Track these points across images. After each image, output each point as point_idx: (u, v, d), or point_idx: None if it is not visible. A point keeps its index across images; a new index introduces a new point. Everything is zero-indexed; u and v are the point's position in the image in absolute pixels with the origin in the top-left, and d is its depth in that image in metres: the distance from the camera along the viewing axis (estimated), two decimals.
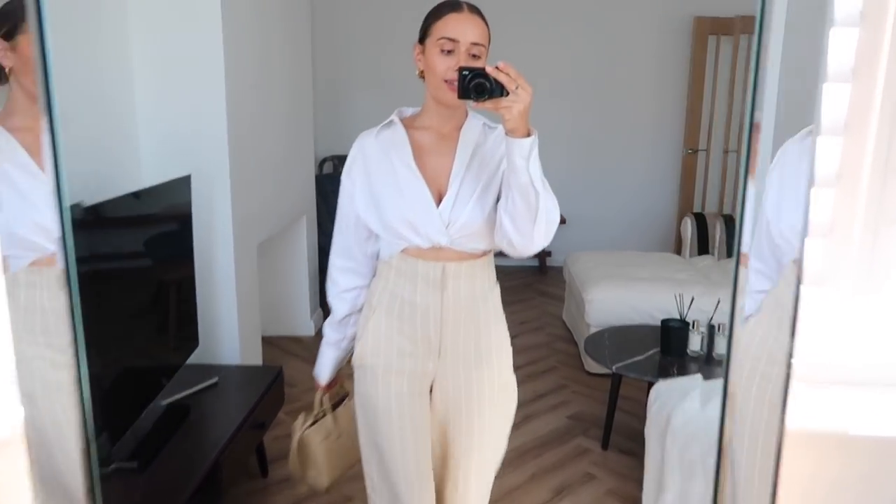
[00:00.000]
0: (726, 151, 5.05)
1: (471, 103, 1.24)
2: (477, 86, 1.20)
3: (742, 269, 0.95)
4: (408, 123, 1.45)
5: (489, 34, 1.36)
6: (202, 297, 2.54)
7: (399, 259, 1.43)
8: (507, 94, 1.19)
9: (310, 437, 1.61)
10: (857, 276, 1.13)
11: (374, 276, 1.50)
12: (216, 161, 2.52)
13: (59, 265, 1.14)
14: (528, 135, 1.24)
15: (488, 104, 1.21)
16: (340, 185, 1.48)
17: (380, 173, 1.42)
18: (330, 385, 1.63)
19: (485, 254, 1.46)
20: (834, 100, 1.03)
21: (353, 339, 1.54)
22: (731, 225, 4.21)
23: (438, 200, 1.39)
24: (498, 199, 1.38)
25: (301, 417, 1.64)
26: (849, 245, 1.12)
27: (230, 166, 2.53)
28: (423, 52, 1.37)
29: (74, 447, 1.29)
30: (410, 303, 1.43)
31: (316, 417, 1.63)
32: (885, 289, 1.13)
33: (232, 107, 2.55)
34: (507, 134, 1.24)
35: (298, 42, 3.57)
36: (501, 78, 1.18)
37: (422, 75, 1.39)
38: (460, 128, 1.43)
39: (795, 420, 1.13)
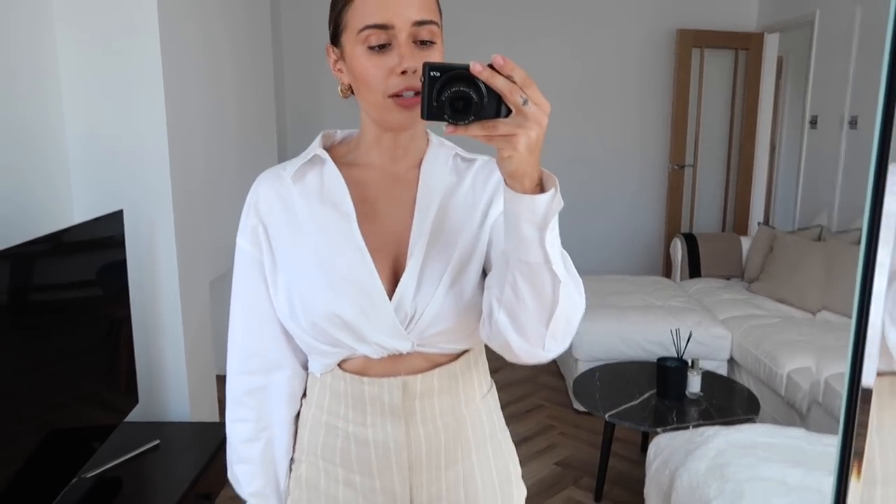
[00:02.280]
0: (728, 166, 4.86)
1: (445, 127, 0.70)
2: (456, 97, 0.67)
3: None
4: (338, 156, 0.94)
5: (439, 7, 0.88)
6: (144, 345, 2.25)
7: (334, 378, 0.93)
8: (508, 112, 0.69)
9: None
10: None
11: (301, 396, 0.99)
12: (157, 191, 2.23)
13: None
14: (541, 185, 0.73)
15: (475, 129, 0.69)
16: (237, 253, 0.95)
17: (299, 242, 0.91)
18: None
19: (467, 351, 0.96)
20: None
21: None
22: (725, 245, 4.00)
23: (393, 284, 0.89)
24: (484, 273, 0.91)
25: None
26: None
27: (173, 197, 2.25)
28: (341, 55, 0.89)
29: None
30: (360, 440, 0.93)
31: None
32: None
33: (175, 131, 2.27)
34: (507, 184, 0.73)
35: (257, 56, 3.30)
36: (498, 84, 0.68)
37: (349, 92, 0.90)
38: (420, 164, 0.94)
39: None
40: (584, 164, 4.90)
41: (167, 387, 2.36)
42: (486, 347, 0.96)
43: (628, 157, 4.93)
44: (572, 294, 0.80)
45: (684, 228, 4.76)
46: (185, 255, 2.36)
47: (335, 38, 0.89)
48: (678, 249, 4.05)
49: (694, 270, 3.97)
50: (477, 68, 0.68)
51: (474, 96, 0.67)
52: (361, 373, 0.91)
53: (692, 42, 4.63)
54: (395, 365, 0.91)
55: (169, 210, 2.25)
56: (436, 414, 0.93)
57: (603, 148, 4.92)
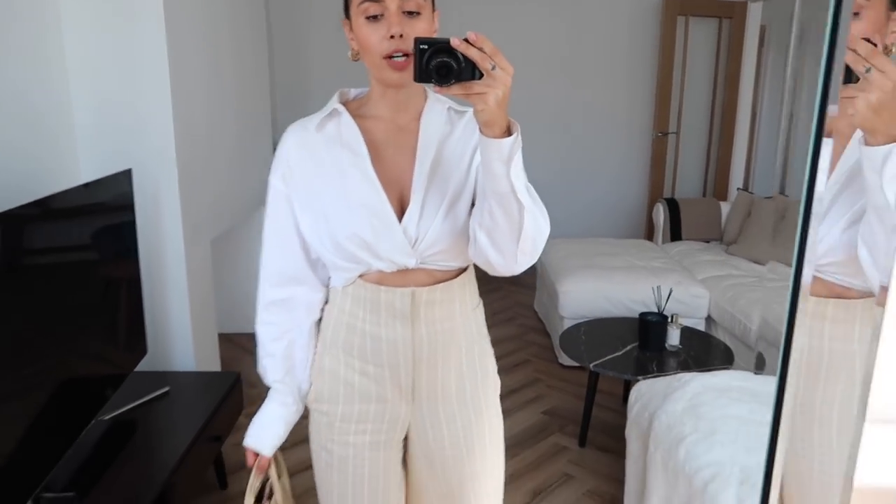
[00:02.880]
0: (710, 134, 4.98)
1: (432, 87, 0.92)
2: (440, 65, 0.89)
3: (806, 270, 0.76)
4: (353, 110, 1.14)
5: None
6: (151, 299, 2.35)
7: (356, 286, 1.14)
8: (481, 75, 0.89)
9: None
10: None
11: (326, 303, 1.21)
12: (162, 153, 2.30)
13: None
14: (509, 131, 0.95)
15: (455, 89, 0.90)
16: (269, 189, 1.15)
17: (325, 180, 1.11)
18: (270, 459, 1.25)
19: (463, 270, 1.19)
20: None
21: (306, 394, 1.24)
22: (705, 210, 4.15)
23: (400, 212, 1.10)
24: (473, 203, 1.11)
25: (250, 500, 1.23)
26: None
27: (177, 158, 2.33)
28: (350, 27, 1.10)
29: None
30: (374, 337, 1.15)
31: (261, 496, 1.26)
32: None
33: (178, 94, 2.33)
34: (481, 131, 0.94)
35: (252, 25, 3.34)
36: (472, 54, 0.88)
37: (357, 56, 1.10)
38: (420, 116, 1.13)
39: (866, 475, 0.93)
40: (571, 132, 5.00)
41: (173, 339, 2.47)
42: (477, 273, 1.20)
43: (613, 124, 5.03)
44: (537, 217, 1.02)
45: (667, 194, 4.89)
46: (189, 214, 2.45)
47: (346, 11, 1.09)
48: (660, 214, 4.19)
49: (675, 234, 4.11)
50: (455, 42, 0.88)
51: (454, 64, 0.89)
52: (378, 283, 1.13)
53: (677, 10, 4.71)
54: (404, 278, 1.12)
55: (173, 171, 2.33)
56: (436, 319, 1.15)
57: (589, 116, 5.02)
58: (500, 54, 0.89)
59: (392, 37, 1.02)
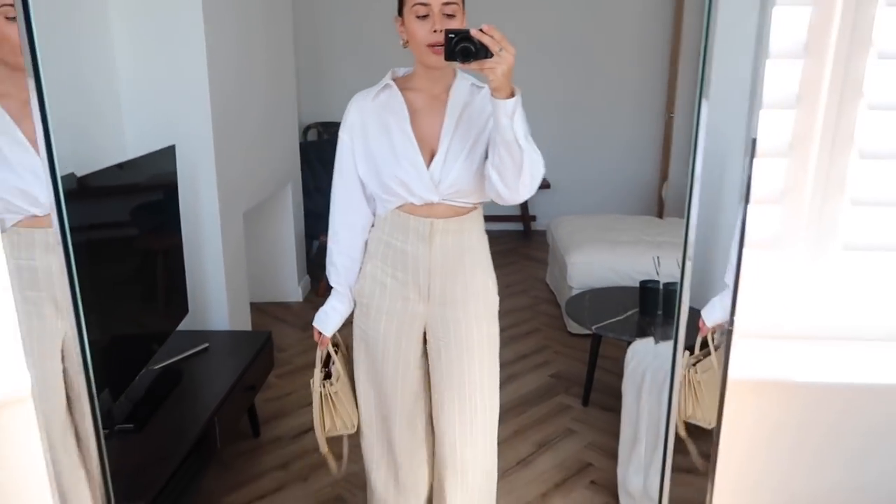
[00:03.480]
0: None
1: (457, 64, 1.31)
2: (463, 49, 1.27)
3: (692, 233, 1.03)
4: (400, 84, 1.54)
5: None
6: (190, 265, 2.58)
7: (393, 214, 1.56)
8: (492, 55, 1.26)
9: (330, 388, 1.72)
10: (805, 241, 1.21)
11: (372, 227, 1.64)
12: (200, 130, 2.54)
13: (56, 231, 1.19)
14: (512, 94, 1.31)
15: (473, 65, 1.28)
16: (339, 141, 1.57)
17: (376, 136, 1.52)
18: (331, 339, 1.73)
19: (475, 207, 1.59)
20: (782, 75, 1.10)
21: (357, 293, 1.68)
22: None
23: (430, 159, 1.50)
24: (486, 156, 1.48)
25: (318, 375, 1.70)
26: (797, 213, 1.20)
27: (213, 135, 2.56)
28: (402, 22, 1.46)
29: (82, 405, 1.36)
30: (402, 251, 1.57)
31: (329, 370, 1.72)
32: (830, 253, 1.21)
33: (214, 75, 2.56)
34: (491, 94, 1.32)
35: (278, 10, 3.55)
36: (485, 40, 1.25)
37: (406, 44, 1.47)
38: (449, 89, 1.52)
39: (740, 370, 1.23)
40: (586, 113, 5.15)
41: (211, 302, 2.72)
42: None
43: (627, 106, 5.17)
44: (533, 158, 1.40)
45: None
46: (224, 189, 2.68)
47: (400, 10, 1.46)
48: (668, 191, 4.34)
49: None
50: (474, 32, 1.26)
51: (472, 48, 1.27)
52: (409, 213, 1.55)
53: None
54: (429, 210, 1.54)
55: (210, 148, 2.56)
56: (448, 243, 1.56)
57: (603, 98, 5.16)
58: (505, 40, 1.26)
59: (435, 31, 1.39)
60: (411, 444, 1.75)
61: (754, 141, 1.04)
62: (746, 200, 1.07)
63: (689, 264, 1.07)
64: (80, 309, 1.26)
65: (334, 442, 1.79)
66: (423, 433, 1.76)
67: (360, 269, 1.64)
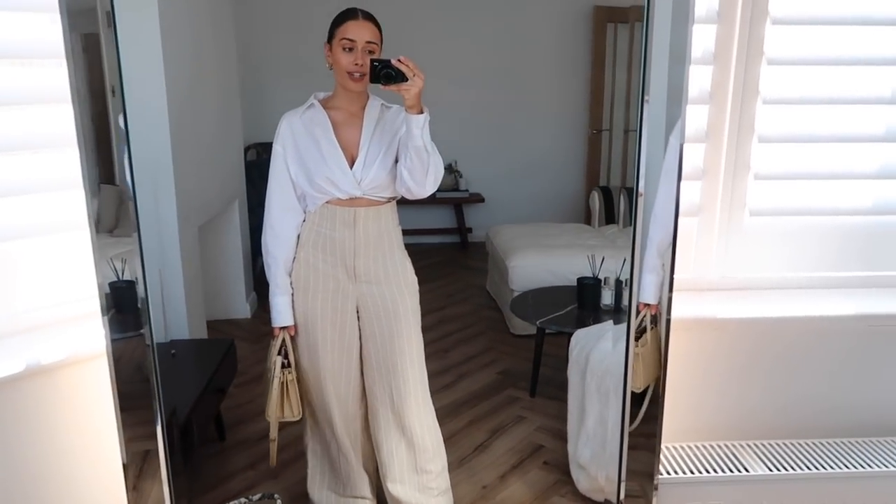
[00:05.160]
0: (626, 131, 5.51)
1: (380, 86, 1.66)
2: (385, 74, 1.62)
3: (639, 232, 1.26)
4: (323, 104, 1.86)
5: (381, 34, 1.78)
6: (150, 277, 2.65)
7: (323, 208, 1.86)
8: (407, 79, 1.61)
9: (288, 376, 1.92)
10: (721, 210, 1.47)
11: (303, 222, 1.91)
12: (159, 140, 2.63)
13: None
14: (422, 111, 1.69)
15: (392, 87, 1.63)
16: (273, 153, 1.86)
17: (307, 145, 1.83)
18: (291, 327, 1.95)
19: (389, 201, 1.90)
20: (699, 77, 1.36)
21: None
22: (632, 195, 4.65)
23: (351, 163, 1.83)
24: (396, 160, 1.82)
25: (277, 363, 1.91)
26: (714, 187, 1.47)
27: (172, 147, 2.65)
28: (330, 50, 1.78)
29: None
30: (331, 238, 1.86)
31: (286, 361, 1.94)
32: (740, 219, 1.48)
33: (172, 96, 2.66)
34: (406, 110, 1.69)
35: (223, 32, 3.67)
36: (402, 68, 1.61)
37: (331, 68, 1.80)
38: (364, 107, 1.86)
39: (674, 313, 1.48)
40: (515, 132, 5.48)
41: (169, 313, 2.78)
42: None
43: (553, 123, 5.54)
44: (436, 160, 1.78)
45: (602, 182, 5.40)
46: (181, 201, 2.76)
47: (329, 40, 1.78)
48: (596, 201, 4.68)
49: (609, 218, 4.61)
50: (393, 61, 1.63)
51: (392, 73, 1.62)
52: (335, 205, 1.85)
53: (606, 18, 5.22)
54: (352, 203, 1.85)
55: (168, 160, 2.65)
56: (370, 228, 1.87)
57: (530, 117, 5.51)
58: (417, 68, 1.63)
59: (356, 63, 1.74)
60: (354, 422, 2.06)
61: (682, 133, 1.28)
62: (679, 182, 1.32)
63: (637, 260, 1.29)
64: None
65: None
66: (361, 409, 2.07)
67: (295, 257, 1.89)
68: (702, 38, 1.27)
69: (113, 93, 1.49)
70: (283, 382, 1.92)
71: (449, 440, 2.70)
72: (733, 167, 1.37)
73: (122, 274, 1.76)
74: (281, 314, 1.92)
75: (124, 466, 1.60)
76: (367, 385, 2.03)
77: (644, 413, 2.01)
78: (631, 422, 1.82)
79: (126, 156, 1.41)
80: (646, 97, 1.16)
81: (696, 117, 1.34)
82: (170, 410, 2.15)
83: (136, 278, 1.60)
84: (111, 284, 1.67)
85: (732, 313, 1.53)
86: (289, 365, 1.93)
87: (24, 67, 1.57)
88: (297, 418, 1.98)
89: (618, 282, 3.07)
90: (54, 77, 1.55)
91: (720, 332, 1.56)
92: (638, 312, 1.92)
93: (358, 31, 1.73)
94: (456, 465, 2.54)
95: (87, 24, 1.48)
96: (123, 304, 1.74)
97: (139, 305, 1.64)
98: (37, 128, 1.62)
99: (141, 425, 1.77)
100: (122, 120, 1.42)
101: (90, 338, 1.67)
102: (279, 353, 1.93)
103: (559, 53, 5.41)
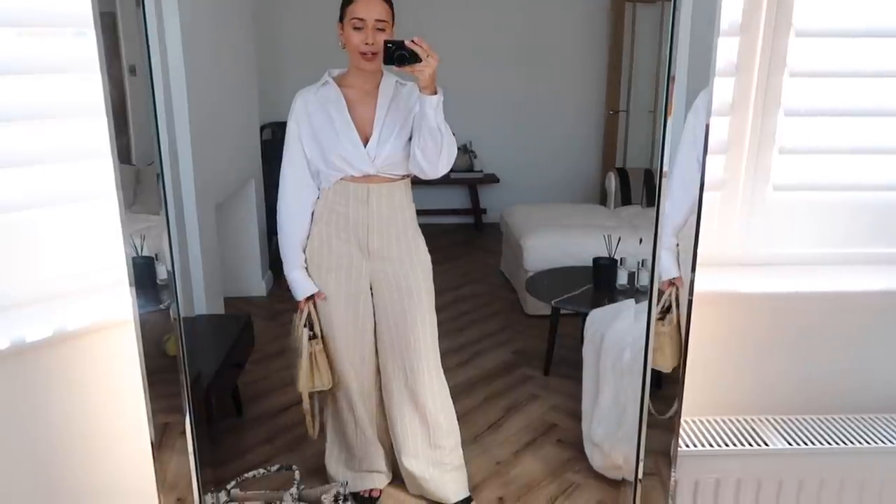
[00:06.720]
0: (651, 111, 5.46)
1: (393, 67, 1.65)
2: (399, 56, 1.61)
3: (662, 211, 1.24)
4: (337, 81, 1.85)
5: (392, 12, 1.76)
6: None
7: (337, 185, 1.86)
8: (421, 61, 1.61)
9: (315, 346, 1.95)
10: (745, 184, 1.46)
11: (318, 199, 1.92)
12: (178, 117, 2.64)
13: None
14: (436, 92, 1.68)
15: (406, 69, 1.63)
16: (287, 130, 1.85)
17: (321, 122, 1.82)
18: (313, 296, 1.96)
19: (402, 178, 1.90)
20: (726, 50, 1.34)
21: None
22: (650, 177, 4.61)
23: (365, 141, 1.82)
24: (410, 138, 1.82)
25: (304, 335, 1.93)
26: (738, 161, 1.45)
27: (190, 124, 2.66)
28: (342, 29, 1.76)
29: None
30: (345, 215, 1.87)
31: (313, 333, 1.95)
32: (766, 196, 1.46)
33: (191, 75, 2.66)
34: (420, 91, 1.68)
35: (243, 11, 3.66)
36: (416, 49, 1.60)
37: (344, 47, 1.79)
38: (379, 85, 1.85)
39: (697, 287, 1.48)
40: (532, 112, 5.45)
41: (187, 290, 2.80)
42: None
43: (570, 104, 5.49)
44: (450, 141, 1.78)
45: (618, 164, 5.36)
46: (199, 179, 2.78)
47: (341, 19, 1.76)
48: (612, 182, 4.65)
49: (625, 199, 4.58)
50: (406, 42, 1.61)
51: (406, 55, 1.61)
52: (349, 182, 1.85)
53: None
54: (366, 180, 1.85)
55: (186, 136, 2.66)
56: (383, 205, 1.88)
57: (547, 97, 5.47)
58: (431, 49, 1.62)
59: (367, 43, 1.72)
60: (370, 397, 2.08)
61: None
62: (705, 157, 1.30)
63: (659, 241, 1.28)
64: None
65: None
66: (377, 384, 2.09)
67: (309, 234, 1.90)
68: (728, 10, 1.25)
69: (132, 72, 1.47)
70: (311, 353, 1.94)
71: (463, 417, 2.72)
72: (758, 141, 1.35)
73: (141, 250, 1.77)
74: (301, 286, 1.93)
75: (151, 443, 1.62)
76: (380, 361, 2.05)
77: (663, 392, 2.01)
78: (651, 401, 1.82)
79: (154, 134, 1.41)
80: (672, 74, 1.15)
81: (720, 91, 1.32)
82: (191, 384, 2.18)
83: (159, 254, 1.61)
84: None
85: (754, 288, 1.52)
86: (315, 336, 1.95)
87: (32, 37, 1.54)
88: (329, 387, 2.01)
89: (637, 262, 3.06)
90: (71, 48, 1.55)
91: (741, 306, 1.55)
92: (661, 293, 1.92)
93: (367, 10, 1.71)
94: (470, 441, 2.56)
95: (109, 3, 1.47)
96: (142, 280, 1.75)
97: (157, 282, 1.65)
98: (59, 97, 1.62)
99: (163, 398, 1.80)
100: (150, 99, 1.42)
101: (112, 307, 1.69)
102: (305, 326, 1.94)
103: (576, 33, 5.36)
